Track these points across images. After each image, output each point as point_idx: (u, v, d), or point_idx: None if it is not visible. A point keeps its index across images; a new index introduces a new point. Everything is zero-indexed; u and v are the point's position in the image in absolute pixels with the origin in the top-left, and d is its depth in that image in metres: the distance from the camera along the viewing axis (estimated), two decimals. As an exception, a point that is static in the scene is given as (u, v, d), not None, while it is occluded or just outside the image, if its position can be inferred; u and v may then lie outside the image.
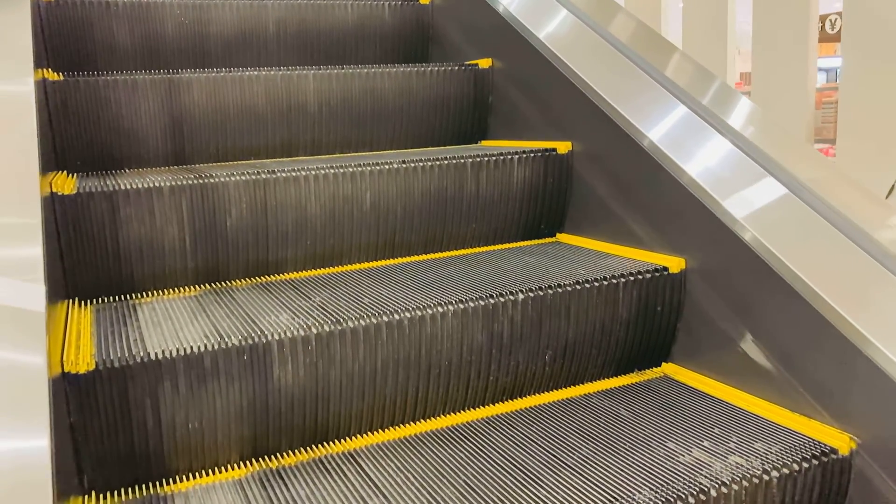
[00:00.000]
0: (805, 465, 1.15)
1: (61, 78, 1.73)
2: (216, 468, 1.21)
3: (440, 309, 1.32)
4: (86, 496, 1.13)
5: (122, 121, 1.79)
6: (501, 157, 1.79)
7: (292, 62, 2.30)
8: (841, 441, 1.18)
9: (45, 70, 1.75)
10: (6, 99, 1.32)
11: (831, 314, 1.20)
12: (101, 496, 1.13)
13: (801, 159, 1.48)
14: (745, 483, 1.11)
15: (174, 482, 1.17)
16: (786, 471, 1.13)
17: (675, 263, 1.51)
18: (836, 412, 1.22)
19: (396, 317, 1.29)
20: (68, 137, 1.75)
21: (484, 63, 2.15)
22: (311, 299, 1.40)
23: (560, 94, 1.85)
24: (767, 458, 1.15)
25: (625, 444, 1.22)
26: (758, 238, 1.33)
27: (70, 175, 1.64)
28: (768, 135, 1.54)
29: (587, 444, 1.23)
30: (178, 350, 1.15)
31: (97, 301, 1.45)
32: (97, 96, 1.76)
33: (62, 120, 1.74)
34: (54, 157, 1.72)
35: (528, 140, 1.98)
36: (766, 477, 1.12)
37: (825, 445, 1.18)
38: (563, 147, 1.83)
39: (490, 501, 1.07)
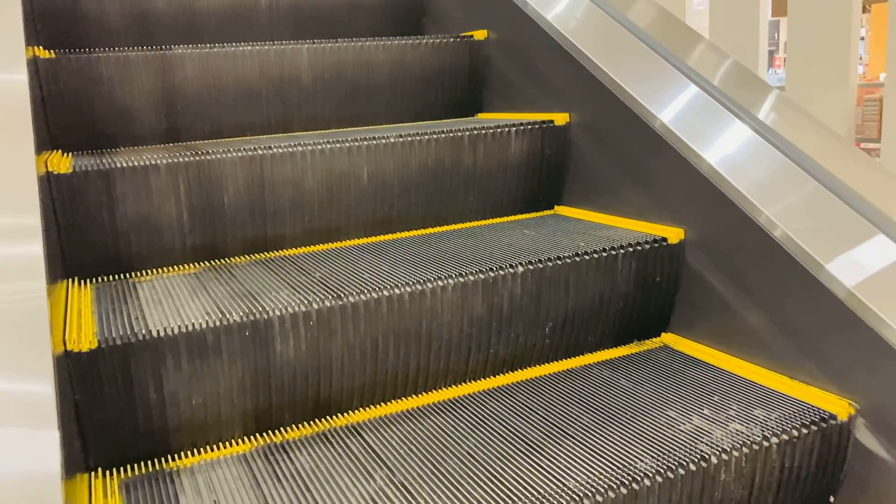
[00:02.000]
0: (804, 430, 1.16)
1: (53, 55, 1.71)
2: (220, 444, 1.22)
3: (440, 283, 1.33)
4: (91, 473, 1.14)
5: (116, 98, 1.78)
6: (498, 130, 1.78)
7: (285, 36, 2.28)
8: (840, 407, 1.20)
9: (36, 48, 1.73)
10: (-2, 77, 1.31)
11: (832, 283, 1.21)
12: (107, 473, 1.14)
13: (806, 130, 1.47)
14: (745, 450, 1.12)
15: (179, 458, 1.18)
16: (785, 437, 1.15)
17: (673, 234, 1.51)
18: (835, 378, 1.23)
19: (397, 291, 1.29)
20: (62, 116, 1.73)
21: (479, 35, 2.13)
22: (310, 275, 1.40)
23: (557, 65, 1.84)
24: (767, 425, 1.17)
25: (625, 413, 1.23)
26: (757, 207, 1.33)
27: (65, 154, 1.63)
28: (775, 108, 1.53)
29: (588, 413, 1.24)
30: (179, 327, 1.16)
31: (97, 280, 1.45)
32: (90, 74, 1.75)
33: (55, 98, 1.72)
34: (48, 136, 1.71)
35: (525, 112, 1.97)
36: (766, 443, 1.13)
37: (824, 411, 1.20)
38: (560, 119, 1.82)
39: (492, 471, 1.08)
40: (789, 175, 1.39)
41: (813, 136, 1.46)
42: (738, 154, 1.44)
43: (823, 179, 1.34)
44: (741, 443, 1.12)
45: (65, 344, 1.09)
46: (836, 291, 1.21)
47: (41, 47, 1.77)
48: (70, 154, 1.65)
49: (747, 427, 1.17)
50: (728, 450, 1.11)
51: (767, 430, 1.15)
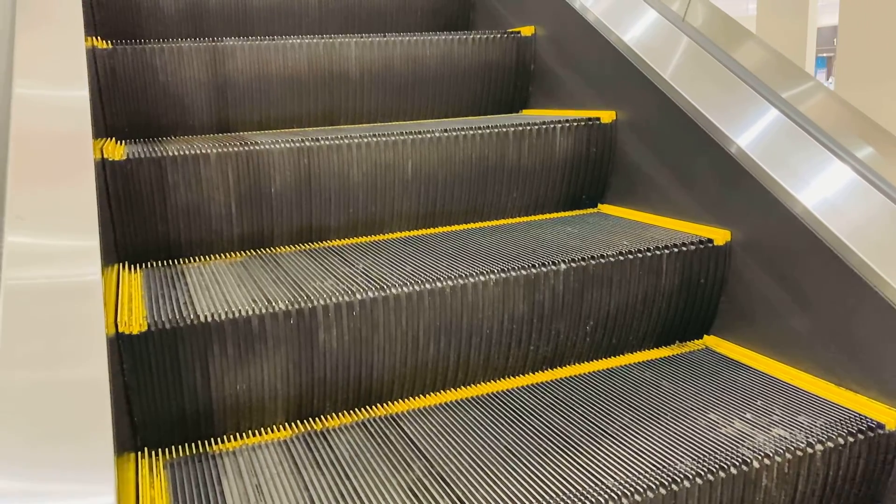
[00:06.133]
0: (850, 439, 1.14)
1: (110, 46, 1.75)
2: (263, 429, 1.24)
3: (482, 277, 1.33)
4: (138, 452, 1.17)
5: (169, 88, 1.82)
6: (544, 126, 1.78)
7: (334, 30, 2.30)
8: (888, 416, 1.17)
9: (93, 38, 1.78)
10: (60, 67, 1.35)
11: (887, 290, 1.18)
12: (153, 453, 1.17)
13: (854, 128, 1.44)
14: (788, 455, 1.10)
15: (222, 441, 1.21)
16: (830, 444, 1.12)
17: (720, 236, 1.49)
18: (884, 387, 1.20)
19: (439, 284, 1.30)
20: (117, 104, 1.78)
21: (527, 31, 2.12)
22: (354, 266, 1.42)
23: (605, 63, 1.83)
24: (812, 432, 1.15)
25: (666, 415, 1.22)
26: (811, 213, 1.31)
27: (119, 142, 1.67)
28: (819, 103, 1.49)
29: (628, 413, 1.23)
30: (226, 313, 1.18)
31: (146, 265, 1.49)
32: (144, 64, 1.79)
33: (111, 87, 1.77)
34: (103, 123, 1.75)
35: (571, 109, 1.96)
36: (810, 450, 1.11)
37: (871, 420, 1.17)
38: (606, 116, 1.81)
39: (530, 467, 1.08)
40: (842, 178, 1.36)
41: (872, 134, 1.41)
42: (794, 157, 1.41)
43: (885, 189, 1.30)
44: (784, 448, 1.11)
45: (116, 326, 1.12)
46: (889, 298, 1.18)
47: (99, 38, 1.81)
48: (124, 142, 1.70)
49: (791, 433, 1.15)
50: (770, 455, 1.09)
51: (812, 436, 1.13)
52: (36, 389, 0.79)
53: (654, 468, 1.07)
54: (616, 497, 1.00)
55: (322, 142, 1.59)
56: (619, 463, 1.08)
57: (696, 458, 1.09)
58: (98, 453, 0.74)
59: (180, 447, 1.19)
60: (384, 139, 1.64)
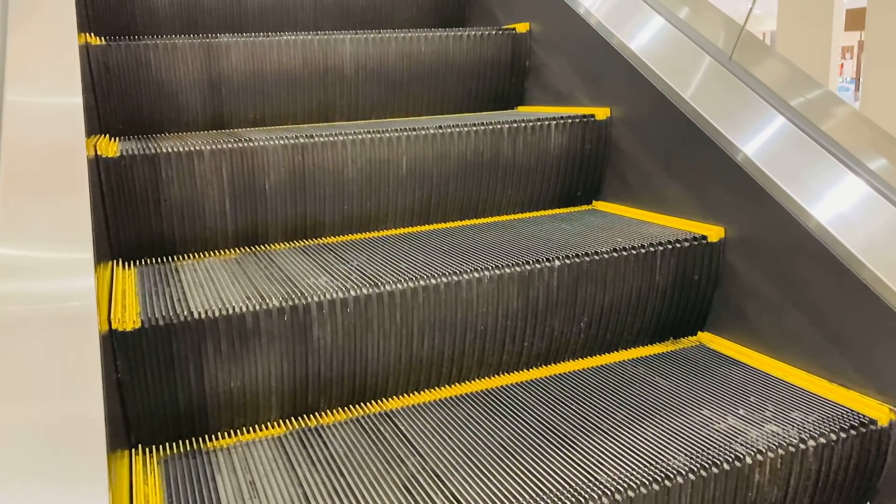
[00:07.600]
0: (843, 435, 1.14)
1: (103, 42, 1.75)
2: (257, 426, 1.24)
3: (476, 274, 1.33)
4: (132, 450, 1.17)
5: (163, 85, 1.81)
6: (538, 123, 1.78)
7: (329, 26, 2.30)
8: (880, 412, 1.17)
9: (87, 35, 1.77)
10: (52, 63, 1.34)
11: (879, 286, 1.19)
12: (147, 450, 1.17)
13: (862, 137, 1.44)
14: (780, 451, 1.10)
15: (216, 438, 1.21)
16: (823, 440, 1.13)
17: (714, 232, 1.49)
18: (877, 383, 1.20)
19: (433, 281, 1.30)
20: (110, 101, 1.77)
21: (522, 27, 2.12)
22: (348, 263, 1.42)
23: (600, 60, 1.83)
24: (804, 428, 1.15)
25: (659, 411, 1.23)
26: (809, 212, 1.31)
27: (112, 139, 1.67)
28: (828, 112, 1.49)
29: (621, 409, 1.24)
30: (220, 310, 1.18)
31: (140, 262, 1.48)
32: (138, 61, 1.78)
33: (104, 84, 1.76)
34: (97, 120, 1.75)
35: (566, 106, 1.96)
36: (802, 446, 1.12)
37: (864, 416, 1.17)
38: (601, 113, 1.81)
39: (524, 463, 1.08)
40: (835, 175, 1.36)
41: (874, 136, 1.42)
42: (789, 156, 1.41)
43: (882, 188, 1.30)
44: (777, 444, 1.11)
45: (110, 323, 1.12)
46: (883, 295, 1.18)
47: (92, 34, 1.81)
48: (117, 139, 1.69)
49: (783, 429, 1.15)
50: (763, 451, 1.10)
51: (804, 432, 1.14)
52: (31, 408, 0.79)
53: (647, 464, 1.07)
54: (609, 493, 1.00)
55: (317, 138, 1.59)
56: (612, 459, 1.08)
57: (689, 454, 1.09)
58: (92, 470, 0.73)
59: (174, 444, 1.19)
60: (379, 136, 1.64)
